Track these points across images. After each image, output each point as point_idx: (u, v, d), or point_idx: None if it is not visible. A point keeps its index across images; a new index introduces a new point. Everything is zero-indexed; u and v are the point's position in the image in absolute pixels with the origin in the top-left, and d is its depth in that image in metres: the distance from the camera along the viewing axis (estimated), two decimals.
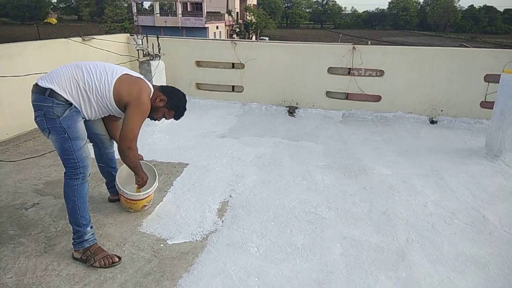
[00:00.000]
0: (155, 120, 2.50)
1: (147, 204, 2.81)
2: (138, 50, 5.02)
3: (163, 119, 2.52)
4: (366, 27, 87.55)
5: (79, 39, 5.16)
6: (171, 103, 2.43)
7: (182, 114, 2.53)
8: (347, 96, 5.69)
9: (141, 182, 2.59)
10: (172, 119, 2.55)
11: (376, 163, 3.85)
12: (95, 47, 5.26)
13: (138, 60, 5.11)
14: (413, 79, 5.32)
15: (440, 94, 5.30)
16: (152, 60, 4.90)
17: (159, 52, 5.06)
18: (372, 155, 4.09)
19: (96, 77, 2.17)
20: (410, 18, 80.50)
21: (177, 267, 2.24)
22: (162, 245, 2.43)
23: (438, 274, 2.25)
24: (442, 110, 5.36)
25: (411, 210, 2.96)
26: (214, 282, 2.13)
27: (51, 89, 2.07)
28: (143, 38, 5.09)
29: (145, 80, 2.36)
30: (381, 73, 5.40)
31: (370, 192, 3.24)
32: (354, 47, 5.27)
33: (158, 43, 5.08)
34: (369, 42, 6.44)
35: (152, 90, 2.37)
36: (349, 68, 5.46)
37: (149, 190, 2.71)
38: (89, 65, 2.21)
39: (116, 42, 5.76)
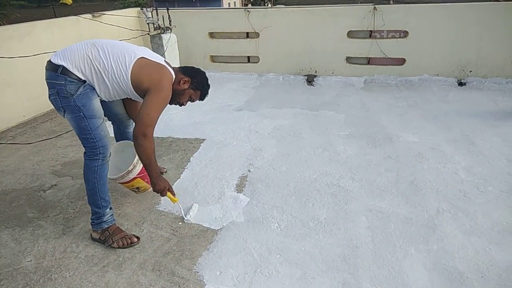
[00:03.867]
0: (181, 105, 2.32)
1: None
2: (148, 23, 4.86)
3: (189, 102, 2.34)
4: None
5: (89, 15, 5.03)
6: (195, 82, 2.26)
7: (207, 93, 2.35)
8: (368, 61, 5.41)
9: (155, 188, 2.21)
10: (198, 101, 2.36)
11: (401, 130, 3.65)
12: (105, 23, 5.13)
13: (149, 34, 4.96)
14: (440, 39, 4.97)
15: (469, 53, 4.96)
16: (163, 33, 4.74)
17: (170, 25, 4.89)
18: (397, 122, 3.88)
19: (112, 59, 2.00)
20: None
21: (197, 245, 2.17)
22: (180, 223, 2.37)
23: (472, 246, 2.11)
24: (471, 71, 5.04)
25: (441, 179, 2.79)
26: (234, 259, 2.06)
27: (63, 67, 1.95)
28: (153, 10, 4.92)
29: (165, 64, 2.16)
30: (405, 34, 5.08)
31: (396, 161, 3.07)
32: (375, 7, 4.94)
33: (169, 15, 4.91)
34: (391, 1, 6.05)
35: (174, 74, 2.20)
36: (371, 31, 5.15)
37: (130, 167, 2.36)
38: (106, 46, 2.03)
39: (127, 16, 5.61)
